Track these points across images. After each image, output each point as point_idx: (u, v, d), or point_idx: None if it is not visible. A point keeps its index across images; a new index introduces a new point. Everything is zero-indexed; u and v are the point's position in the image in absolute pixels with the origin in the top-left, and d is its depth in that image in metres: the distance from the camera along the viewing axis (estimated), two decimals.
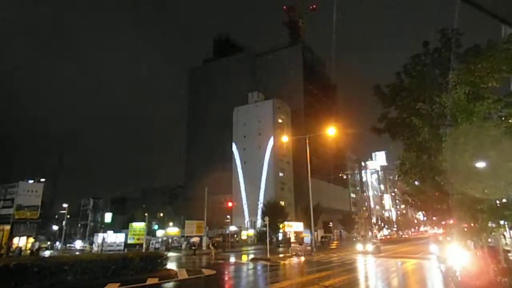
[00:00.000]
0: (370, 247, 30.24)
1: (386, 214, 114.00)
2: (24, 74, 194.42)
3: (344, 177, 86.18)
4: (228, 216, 61.88)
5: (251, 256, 28.68)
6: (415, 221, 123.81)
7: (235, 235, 56.40)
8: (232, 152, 75.14)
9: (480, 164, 8.26)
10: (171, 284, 13.79)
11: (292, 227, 57.49)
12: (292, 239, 54.70)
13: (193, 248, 28.96)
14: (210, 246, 27.94)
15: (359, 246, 32.13)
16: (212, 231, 53.90)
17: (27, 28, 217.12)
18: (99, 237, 45.89)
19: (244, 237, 58.85)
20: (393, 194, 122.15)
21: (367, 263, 22.12)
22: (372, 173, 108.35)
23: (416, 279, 15.27)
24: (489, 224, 9.38)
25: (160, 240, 47.46)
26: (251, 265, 21.54)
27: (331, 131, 33.33)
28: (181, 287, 13.81)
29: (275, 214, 49.05)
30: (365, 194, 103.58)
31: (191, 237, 42.97)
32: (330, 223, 69.75)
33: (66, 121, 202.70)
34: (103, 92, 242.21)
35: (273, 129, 71.44)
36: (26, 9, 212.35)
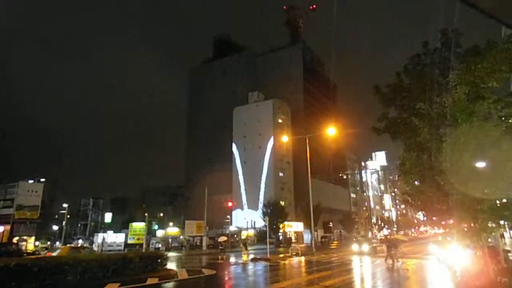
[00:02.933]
0: (365, 247, 30.05)
1: (386, 214, 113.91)
2: (23, 73, 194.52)
3: (344, 177, 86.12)
4: (228, 216, 61.87)
5: (251, 256, 28.69)
6: (415, 221, 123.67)
7: (235, 235, 56.42)
8: (232, 152, 75.13)
9: (480, 164, 8.26)
10: (171, 284, 13.79)
11: (292, 227, 57.51)
12: (292, 239, 54.78)
13: (220, 247, 29.06)
14: (241, 245, 28.61)
15: (354, 247, 31.82)
16: (212, 231, 53.91)
17: (25, 28, 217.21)
18: (99, 237, 45.92)
19: (244, 237, 58.85)
20: (393, 194, 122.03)
21: (367, 263, 22.12)
22: (372, 173, 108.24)
23: (416, 279, 15.27)
24: (489, 224, 9.37)
25: (155, 240, 47.33)
26: (251, 265, 21.54)
27: (331, 131, 33.31)
28: (181, 287, 13.82)
29: (275, 214, 49.08)
30: (365, 194, 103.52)
31: (219, 236, 43.14)
32: (330, 223, 69.71)
33: (66, 121, 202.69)
34: (103, 92, 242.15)
35: (273, 129, 71.41)
36: (25, 9, 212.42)
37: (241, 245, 29.37)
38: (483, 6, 2.51)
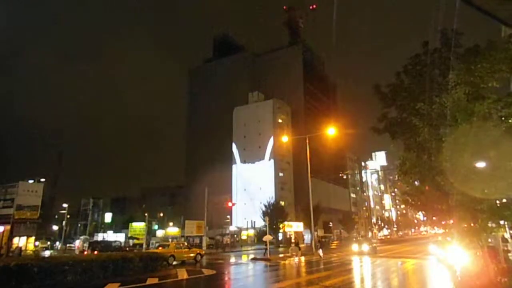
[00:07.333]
0: (366, 247, 29.92)
1: (386, 214, 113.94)
2: (24, 73, 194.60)
3: (344, 177, 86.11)
4: (228, 216, 61.84)
5: (251, 256, 28.66)
6: (415, 221, 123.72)
7: (235, 235, 56.43)
8: (232, 152, 75.10)
9: (480, 164, 8.25)
10: (171, 284, 13.79)
11: (292, 227, 57.43)
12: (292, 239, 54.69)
13: (265, 249, 28.97)
14: (292, 246, 28.38)
15: (354, 247, 31.61)
16: (212, 231, 53.89)
17: (23, 26, 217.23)
18: (99, 237, 45.91)
19: (244, 237, 58.85)
20: (393, 194, 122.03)
21: (367, 263, 22.12)
22: (372, 173, 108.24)
23: (416, 279, 15.27)
24: (489, 224, 9.37)
25: (155, 240, 47.29)
26: (251, 265, 21.54)
27: (331, 131, 33.24)
28: (181, 287, 13.81)
29: (275, 214, 49.05)
30: (365, 194, 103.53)
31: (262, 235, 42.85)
32: (330, 223, 69.71)
33: (66, 121, 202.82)
34: (102, 92, 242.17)
35: (273, 129, 71.40)
36: (23, 8, 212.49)
37: (292, 246, 28.83)
38: (484, 6, 2.51)
